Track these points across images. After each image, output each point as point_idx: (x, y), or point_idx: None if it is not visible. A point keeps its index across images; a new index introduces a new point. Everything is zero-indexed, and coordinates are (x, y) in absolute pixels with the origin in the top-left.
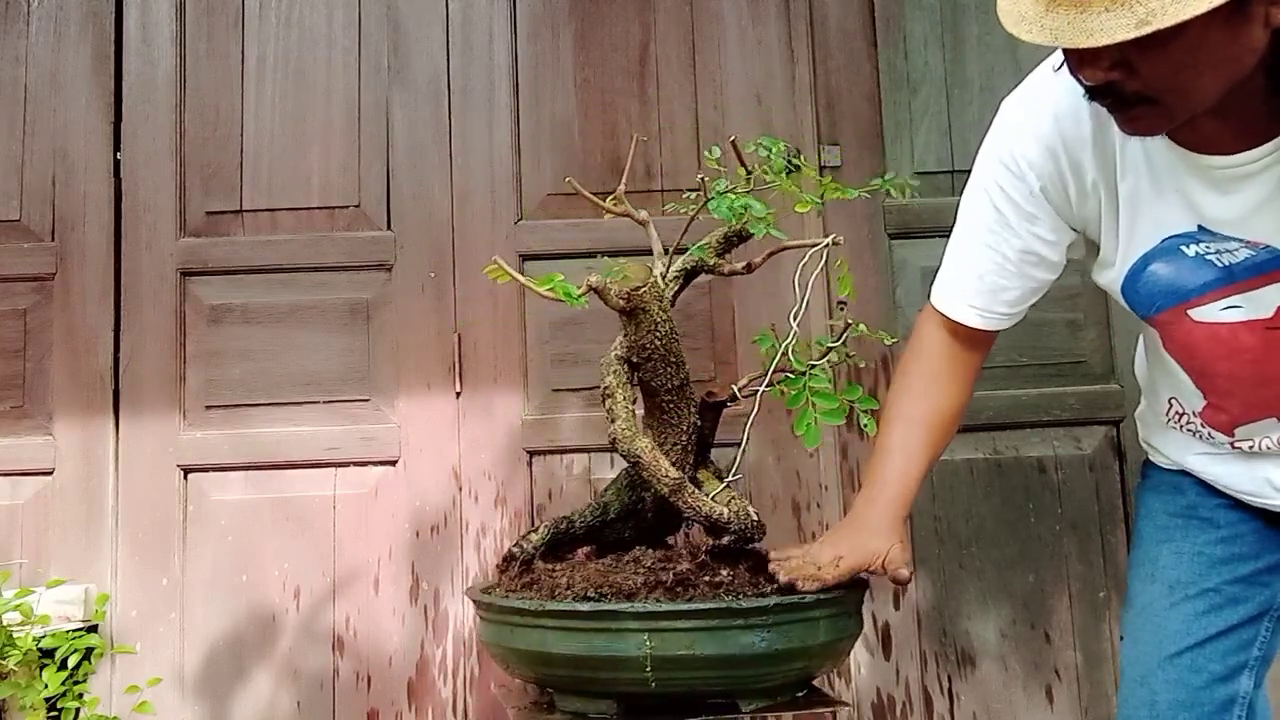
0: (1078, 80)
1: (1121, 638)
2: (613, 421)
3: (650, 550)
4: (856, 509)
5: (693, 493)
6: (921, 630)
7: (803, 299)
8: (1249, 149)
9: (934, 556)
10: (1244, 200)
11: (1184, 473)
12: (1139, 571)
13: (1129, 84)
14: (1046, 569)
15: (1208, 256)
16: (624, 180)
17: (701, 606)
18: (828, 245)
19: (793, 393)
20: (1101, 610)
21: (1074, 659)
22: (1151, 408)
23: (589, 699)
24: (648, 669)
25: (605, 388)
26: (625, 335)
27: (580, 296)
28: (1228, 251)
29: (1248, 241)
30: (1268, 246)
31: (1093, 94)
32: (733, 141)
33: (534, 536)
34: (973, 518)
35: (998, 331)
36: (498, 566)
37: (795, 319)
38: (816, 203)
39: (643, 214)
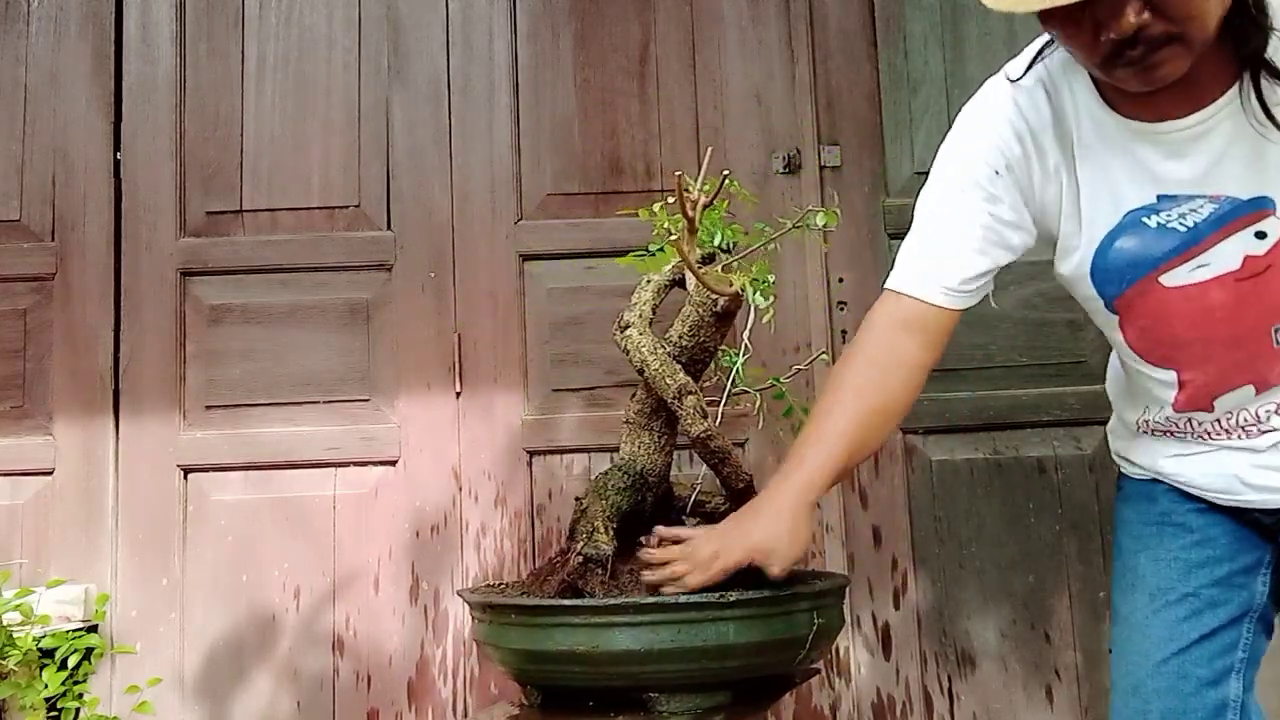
0: (1091, 49)
1: (1110, 650)
2: (704, 418)
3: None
4: (755, 498)
5: (755, 489)
6: (921, 630)
7: (748, 332)
8: (1198, 110)
9: (934, 556)
10: (1202, 159)
11: (1156, 480)
12: (1120, 583)
13: (1156, 26)
14: (1046, 569)
15: (1169, 225)
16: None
17: (839, 584)
18: (761, 296)
19: (786, 406)
20: (1101, 610)
21: (1074, 659)
22: (1122, 419)
23: (706, 693)
24: (806, 646)
25: (682, 385)
26: (697, 336)
27: (757, 296)
28: (1192, 211)
29: (1210, 196)
30: (1229, 197)
31: (1117, 50)
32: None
33: (601, 538)
34: (973, 518)
35: (947, 331)
36: (572, 572)
37: (748, 334)
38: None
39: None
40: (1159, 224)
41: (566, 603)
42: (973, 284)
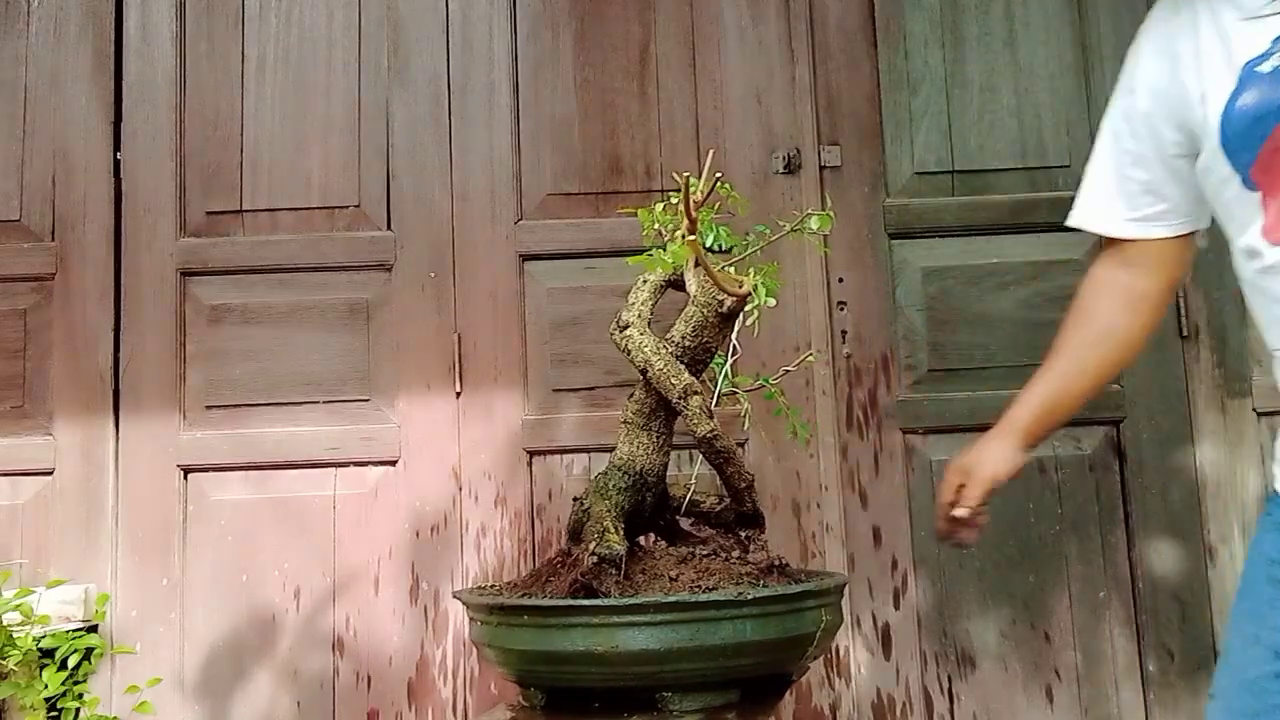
0: None
1: (1211, 696)
2: (710, 418)
3: (661, 545)
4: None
5: (755, 489)
6: (921, 630)
7: (735, 333)
8: None
9: (934, 556)
10: None
11: None
12: (1242, 626)
13: None
14: (1046, 569)
15: None
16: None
17: (840, 582)
18: (750, 298)
19: (776, 407)
20: (1101, 610)
21: (1074, 659)
22: None
23: (716, 692)
24: (813, 645)
25: (688, 385)
26: (700, 336)
27: (768, 296)
28: None
29: None
30: None
31: None
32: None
33: (613, 537)
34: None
35: (1161, 257)
36: (586, 572)
37: (735, 335)
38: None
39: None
40: (1274, 68)
41: (587, 603)
42: (1149, 208)
